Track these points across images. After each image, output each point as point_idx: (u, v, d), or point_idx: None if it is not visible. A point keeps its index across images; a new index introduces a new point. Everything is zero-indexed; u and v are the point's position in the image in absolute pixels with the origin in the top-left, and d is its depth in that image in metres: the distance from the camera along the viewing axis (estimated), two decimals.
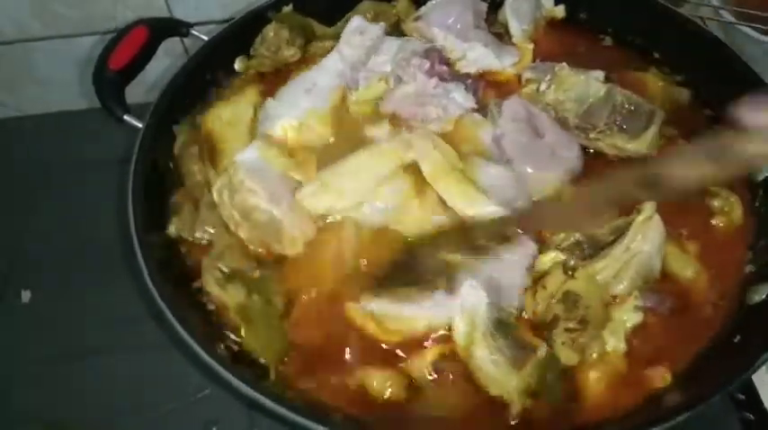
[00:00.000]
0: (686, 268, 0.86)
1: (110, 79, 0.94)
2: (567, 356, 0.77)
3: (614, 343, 0.79)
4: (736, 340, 0.81)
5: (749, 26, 1.13)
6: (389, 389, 0.77)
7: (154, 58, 1.01)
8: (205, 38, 1.04)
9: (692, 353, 0.81)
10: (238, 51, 1.07)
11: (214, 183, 0.88)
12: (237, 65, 1.07)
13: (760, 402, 0.89)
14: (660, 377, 0.78)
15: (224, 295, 0.81)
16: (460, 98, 0.97)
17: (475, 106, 0.98)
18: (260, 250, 0.86)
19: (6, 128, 1.38)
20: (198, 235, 0.87)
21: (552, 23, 1.17)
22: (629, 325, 0.80)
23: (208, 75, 1.03)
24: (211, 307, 0.83)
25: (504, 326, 0.78)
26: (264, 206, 0.84)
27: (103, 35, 1.25)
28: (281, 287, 0.83)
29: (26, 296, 1.09)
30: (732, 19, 1.16)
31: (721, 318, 0.84)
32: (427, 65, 0.97)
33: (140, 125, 0.92)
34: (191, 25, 1.07)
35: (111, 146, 1.07)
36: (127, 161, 0.88)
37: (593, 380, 0.77)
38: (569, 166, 0.93)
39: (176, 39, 1.10)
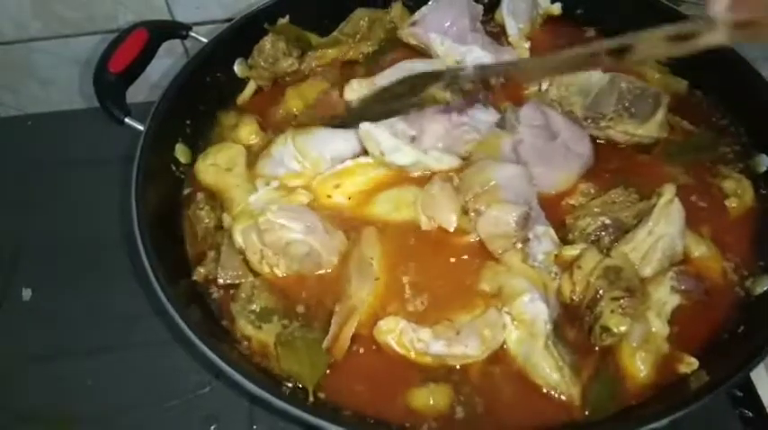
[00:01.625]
0: (701, 250, 0.87)
1: (110, 82, 0.95)
2: (618, 321, 0.76)
3: (659, 325, 0.80)
4: (740, 331, 0.82)
5: None
6: (433, 403, 0.76)
7: (155, 57, 1.01)
8: (204, 40, 1.05)
9: (702, 341, 0.82)
10: (236, 54, 1.08)
11: (232, 227, 0.88)
12: (237, 68, 1.08)
13: (758, 399, 0.89)
14: (686, 363, 0.79)
15: (262, 334, 0.82)
16: (484, 116, 0.99)
17: (498, 116, 0.99)
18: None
19: (7, 127, 1.38)
20: (221, 280, 0.87)
21: (547, 21, 1.18)
22: (668, 307, 0.81)
23: (207, 77, 1.04)
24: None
25: (557, 330, 0.79)
26: (302, 238, 0.84)
27: (104, 35, 1.25)
28: (319, 312, 0.84)
29: (27, 294, 1.09)
30: None
31: (729, 306, 0.85)
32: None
33: (141, 127, 0.92)
34: (190, 27, 1.08)
35: (111, 145, 1.08)
36: (128, 159, 0.89)
37: (640, 360, 0.78)
38: (583, 163, 0.95)
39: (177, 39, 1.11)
